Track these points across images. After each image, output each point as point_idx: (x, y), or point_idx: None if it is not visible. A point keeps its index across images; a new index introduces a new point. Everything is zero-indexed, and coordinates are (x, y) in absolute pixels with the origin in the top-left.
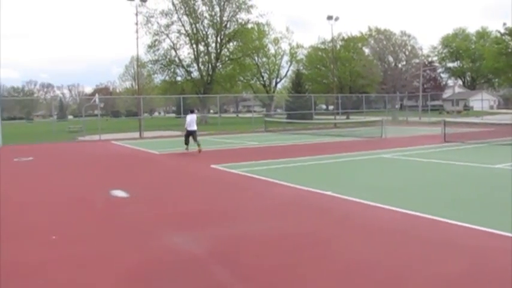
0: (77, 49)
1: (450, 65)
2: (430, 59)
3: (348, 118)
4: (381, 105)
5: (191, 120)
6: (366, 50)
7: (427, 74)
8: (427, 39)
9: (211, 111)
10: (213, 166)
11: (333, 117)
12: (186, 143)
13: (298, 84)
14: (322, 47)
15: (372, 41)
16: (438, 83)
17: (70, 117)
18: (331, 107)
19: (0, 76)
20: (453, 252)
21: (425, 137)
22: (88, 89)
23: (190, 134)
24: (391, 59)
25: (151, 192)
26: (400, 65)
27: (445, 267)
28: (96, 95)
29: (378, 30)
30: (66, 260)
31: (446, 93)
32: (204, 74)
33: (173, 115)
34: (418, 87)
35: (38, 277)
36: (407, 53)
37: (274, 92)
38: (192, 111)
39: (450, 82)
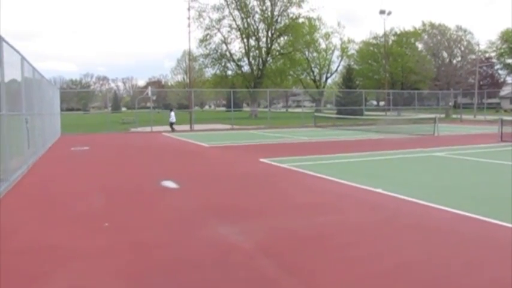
0: (131, 43)
1: (509, 61)
2: (487, 55)
3: (399, 115)
4: (434, 103)
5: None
6: (419, 46)
7: (483, 71)
8: (485, 34)
9: (261, 105)
10: (261, 160)
11: (383, 113)
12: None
13: (348, 79)
14: (374, 42)
15: (426, 36)
16: (495, 80)
17: (124, 109)
18: (381, 103)
19: (60, 69)
20: (509, 257)
21: (480, 135)
22: (141, 82)
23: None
24: (445, 54)
25: (201, 184)
26: (454, 61)
27: (500, 272)
28: (149, 88)
29: (432, 25)
30: (117, 246)
31: (504, 91)
32: (254, 68)
33: (223, 109)
34: (474, 84)
35: (89, 262)
36: (462, 48)
37: (324, 87)
38: (172, 110)
39: (509, 79)
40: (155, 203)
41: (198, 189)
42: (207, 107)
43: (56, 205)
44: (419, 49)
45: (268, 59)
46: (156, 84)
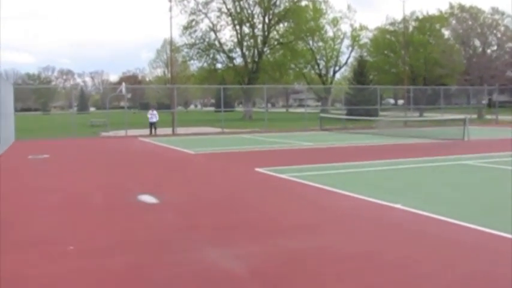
0: (101, 31)
1: None
2: None
3: (421, 115)
4: (463, 101)
5: (152, 115)
6: (446, 33)
7: None
8: None
9: (257, 105)
10: (258, 170)
11: (402, 114)
12: (150, 132)
13: (360, 73)
14: (391, 28)
15: (454, 21)
16: None
17: (92, 109)
18: (400, 102)
19: (13, 60)
20: None
21: None
22: (113, 77)
23: (152, 125)
24: (477, 43)
25: (185, 198)
26: (489, 51)
27: None
28: (123, 84)
29: (462, 8)
30: (84, 274)
31: None
32: (248, 60)
33: (212, 109)
34: None
35: None
36: (499, 35)
37: (331, 82)
38: (150, 109)
39: None
40: (130, 221)
41: (182, 204)
42: (192, 106)
43: (7, 227)
44: (446, 37)
45: (265, 49)
46: (131, 79)
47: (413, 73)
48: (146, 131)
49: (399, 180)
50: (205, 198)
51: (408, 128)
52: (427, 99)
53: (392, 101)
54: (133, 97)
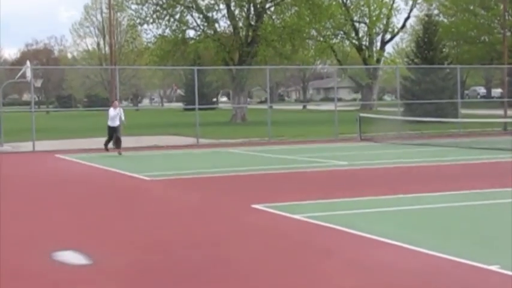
0: None
1: None
2: None
3: None
4: None
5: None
6: None
7: None
8: None
9: (254, 98)
10: (255, 206)
11: (500, 112)
12: (108, 142)
13: (428, 44)
14: None
15: None
16: None
17: None
18: (496, 92)
19: None
20: None
21: None
22: (10, 52)
23: (114, 131)
24: None
25: (133, 257)
26: None
27: None
28: (27, 64)
29: None
30: None
31: None
32: (240, 25)
33: (179, 105)
34: None
35: None
36: None
37: (379, 61)
38: (113, 103)
39: None
40: None
41: (128, 268)
42: (146, 102)
43: None
44: None
45: (267, 5)
46: (41, 55)
47: None
48: (68, 144)
49: (493, 224)
50: (167, 257)
51: (510, 135)
52: None
53: (482, 90)
54: (46, 86)
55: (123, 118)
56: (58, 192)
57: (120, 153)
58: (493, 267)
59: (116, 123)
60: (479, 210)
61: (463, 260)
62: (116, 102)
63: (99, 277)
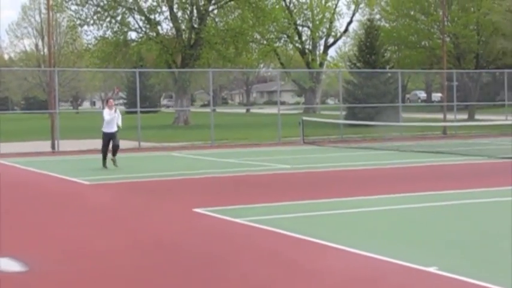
0: None
1: None
2: None
3: (471, 118)
4: None
5: (111, 118)
6: None
7: None
8: None
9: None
10: (197, 210)
11: (440, 115)
12: (105, 157)
13: (370, 49)
14: None
15: None
16: None
17: None
18: (436, 96)
19: None
20: None
21: None
22: None
23: (110, 139)
24: None
25: (71, 264)
26: None
27: None
28: None
29: None
30: None
31: None
32: (183, 27)
33: (121, 108)
34: None
35: None
36: None
37: (322, 65)
38: (108, 102)
39: None
40: None
41: (65, 274)
42: (87, 104)
43: None
44: None
45: (210, 7)
46: None
47: (458, 48)
48: (5, 148)
49: (431, 226)
50: (104, 264)
51: (449, 139)
52: (481, 92)
53: (422, 94)
54: None
55: (119, 123)
56: None
57: (114, 161)
58: (431, 269)
59: (114, 128)
60: (417, 212)
61: (401, 262)
62: (112, 101)
63: (36, 283)
